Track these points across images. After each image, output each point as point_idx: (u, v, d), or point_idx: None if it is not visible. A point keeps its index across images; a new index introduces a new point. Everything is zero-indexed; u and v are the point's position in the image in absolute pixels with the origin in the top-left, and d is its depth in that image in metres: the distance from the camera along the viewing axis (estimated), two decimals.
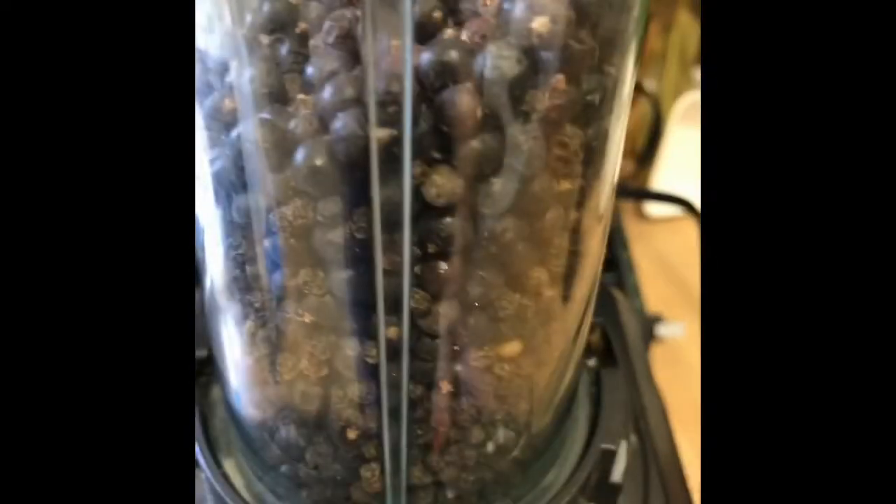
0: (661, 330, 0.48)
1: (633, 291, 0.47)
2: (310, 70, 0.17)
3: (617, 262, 0.48)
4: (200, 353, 0.27)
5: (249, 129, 0.18)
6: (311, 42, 0.17)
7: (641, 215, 0.66)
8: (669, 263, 0.61)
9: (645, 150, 0.66)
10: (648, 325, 0.47)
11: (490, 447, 0.23)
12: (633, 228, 0.62)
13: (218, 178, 0.19)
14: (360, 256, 0.18)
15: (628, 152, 0.67)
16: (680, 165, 0.63)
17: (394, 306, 0.19)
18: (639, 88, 0.64)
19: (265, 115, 0.18)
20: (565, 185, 0.19)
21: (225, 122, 0.18)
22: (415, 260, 0.18)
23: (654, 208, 0.65)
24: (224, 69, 0.18)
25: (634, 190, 0.65)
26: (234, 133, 0.18)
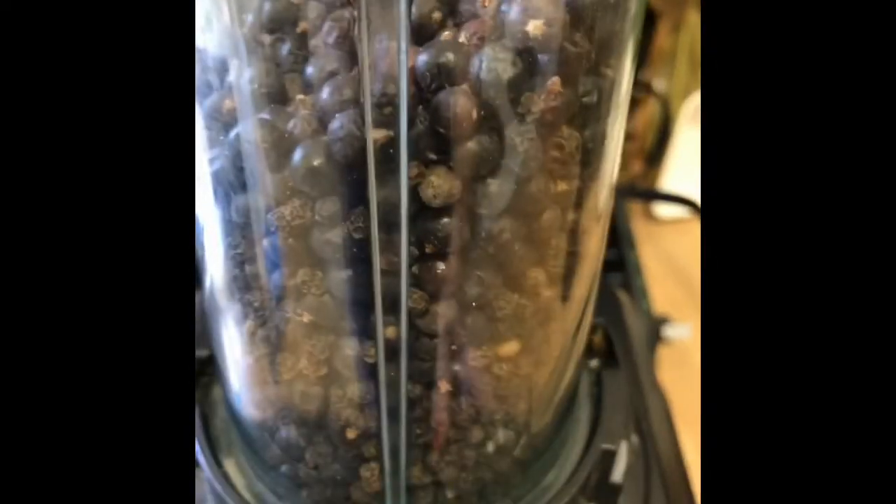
0: (668, 331, 0.48)
1: (640, 293, 0.47)
2: (309, 70, 0.18)
3: (624, 263, 0.48)
4: (201, 353, 0.28)
5: (248, 129, 0.18)
6: (311, 42, 0.17)
7: (650, 216, 0.66)
8: (678, 265, 0.61)
9: (654, 150, 0.66)
10: (655, 327, 0.47)
11: (490, 447, 0.23)
12: (641, 229, 0.62)
13: (217, 178, 0.20)
14: (358, 256, 0.18)
15: (637, 153, 0.67)
16: (689, 166, 0.63)
17: (392, 306, 0.19)
18: (648, 88, 0.64)
19: (264, 116, 0.18)
20: (562, 187, 0.19)
21: (224, 122, 0.19)
22: (412, 260, 0.19)
23: (662, 209, 0.65)
24: (224, 69, 0.18)
25: (643, 191, 0.65)
26: (233, 133, 0.19)
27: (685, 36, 0.65)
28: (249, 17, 0.18)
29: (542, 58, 0.16)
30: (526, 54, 0.16)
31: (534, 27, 0.15)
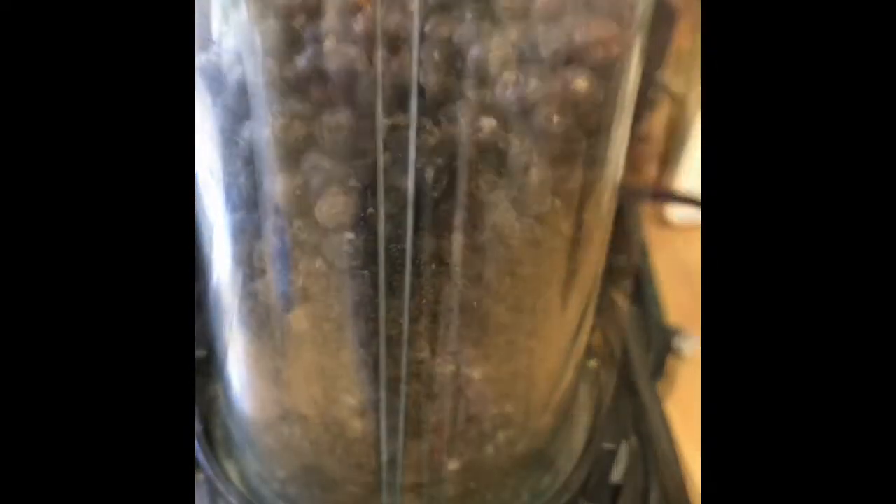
0: (681, 343, 0.48)
1: (651, 301, 0.47)
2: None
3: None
4: (200, 352, 0.28)
5: (263, 126, 0.19)
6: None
7: (663, 222, 0.66)
8: (692, 273, 0.60)
9: (670, 153, 0.66)
10: (667, 339, 0.47)
11: (489, 448, 0.24)
12: (654, 235, 0.61)
13: (228, 177, 0.20)
14: (366, 262, 0.20)
15: (652, 156, 0.68)
16: None
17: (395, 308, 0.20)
18: (665, 90, 0.65)
19: (279, 111, 0.18)
20: (564, 186, 0.20)
21: (238, 117, 0.19)
22: (420, 260, 0.20)
23: (677, 214, 0.66)
24: (238, 61, 0.18)
25: (657, 192, 0.65)
26: (246, 130, 0.19)
27: None
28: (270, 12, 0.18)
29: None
30: None
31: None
